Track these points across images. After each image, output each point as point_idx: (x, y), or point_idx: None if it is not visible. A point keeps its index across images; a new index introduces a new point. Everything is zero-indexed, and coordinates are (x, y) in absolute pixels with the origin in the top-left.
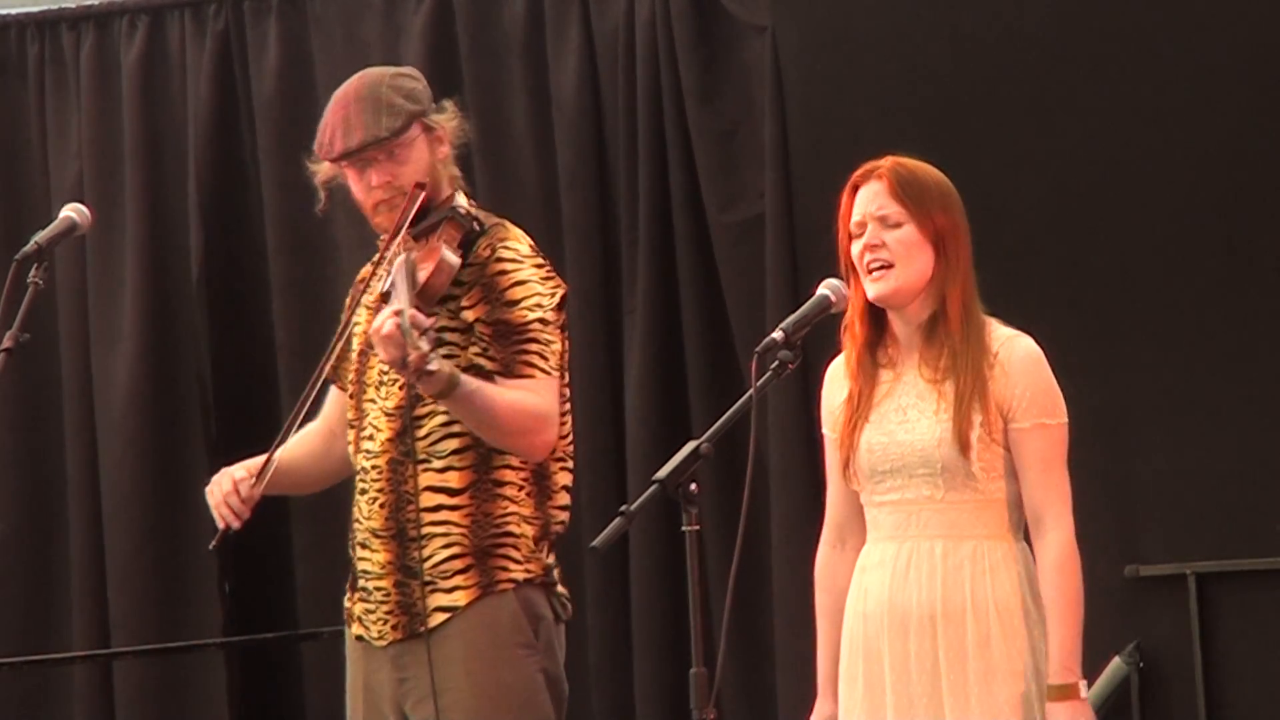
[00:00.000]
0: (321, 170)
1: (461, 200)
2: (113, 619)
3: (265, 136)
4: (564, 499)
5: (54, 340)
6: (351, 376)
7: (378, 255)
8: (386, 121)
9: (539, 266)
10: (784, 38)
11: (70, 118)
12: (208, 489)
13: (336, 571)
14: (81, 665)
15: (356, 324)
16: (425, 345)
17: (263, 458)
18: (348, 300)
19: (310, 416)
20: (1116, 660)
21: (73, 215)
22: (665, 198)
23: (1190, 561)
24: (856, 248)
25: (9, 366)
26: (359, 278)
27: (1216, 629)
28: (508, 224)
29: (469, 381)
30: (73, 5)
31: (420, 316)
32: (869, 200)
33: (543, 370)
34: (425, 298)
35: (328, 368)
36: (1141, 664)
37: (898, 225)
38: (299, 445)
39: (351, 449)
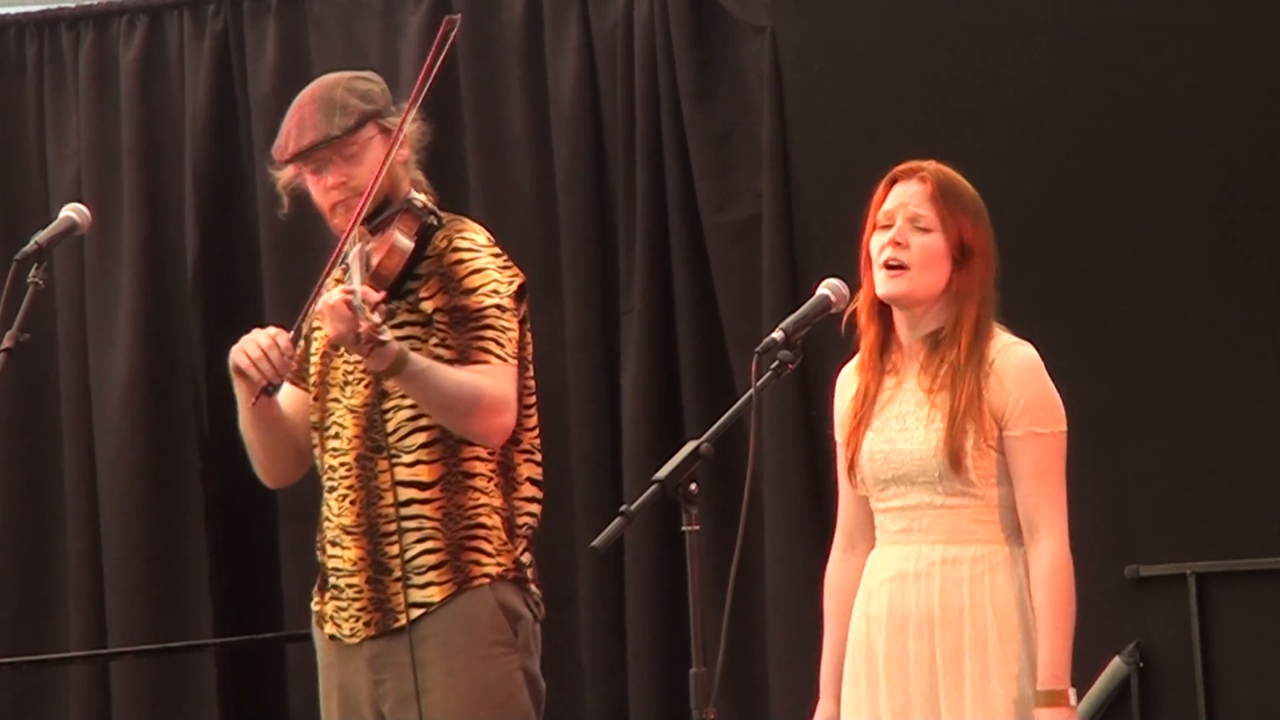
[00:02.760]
0: (283, 175)
1: (419, 195)
2: (108, 618)
3: (262, 137)
4: (529, 491)
5: (50, 339)
6: (315, 378)
7: (334, 257)
8: (339, 121)
9: (496, 256)
10: (783, 38)
11: (68, 117)
12: (235, 353)
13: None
14: (77, 665)
15: (319, 327)
16: (376, 317)
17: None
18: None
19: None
20: (1116, 660)
21: (73, 215)
22: (662, 198)
23: (1190, 561)
24: (877, 241)
25: (8, 366)
26: (330, 284)
27: (1216, 629)
28: (465, 219)
29: (419, 360)
30: (71, 5)
31: (371, 292)
32: (907, 197)
33: (498, 356)
34: (378, 280)
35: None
36: (1141, 664)
37: (927, 231)
38: (286, 403)
39: (317, 450)
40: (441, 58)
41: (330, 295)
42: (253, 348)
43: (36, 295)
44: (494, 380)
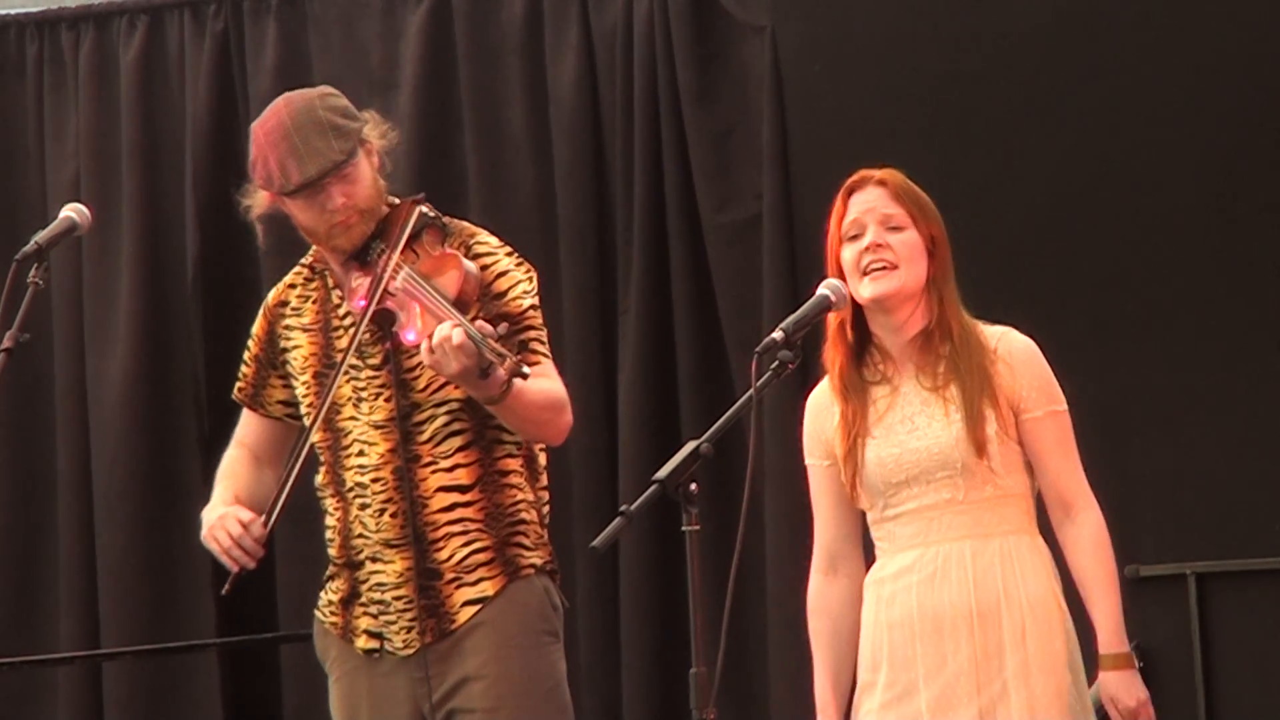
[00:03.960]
0: (257, 204)
1: (425, 205)
2: (102, 619)
3: None
4: (545, 480)
5: (48, 340)
6: (310, 400)
7: (304, 276)
8: (338, 144)
9: (510, 255)
10: (783, 38)
11: (68, 118)
12: (208, 534)
13: (316, 573)
14: (69, 666)
15: (296, 346)
16: (510, 353)
17: (233, 501)
18: (261, 326)
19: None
20: None
21: (73, 215)
22: (661, 198)
23: (1190, 561)
24: (851, 251)
25: (7, 367)
26: (273, 301)
27: (1216, 629)
28: (461, 222)
29: (516, 380)
30: (72, 5)
31: (486, 325)
32: (871, 202)
33: (544, 354)
34: (462, 308)
35: (239, 394)
36: (1141, 664)
37: (900, 229)
38: (246, 477)
39: (324, 469)
40: (406, 233)
41: (445, 331)
42: (223, 536)
43: (36, 295)
44: (555, 380)
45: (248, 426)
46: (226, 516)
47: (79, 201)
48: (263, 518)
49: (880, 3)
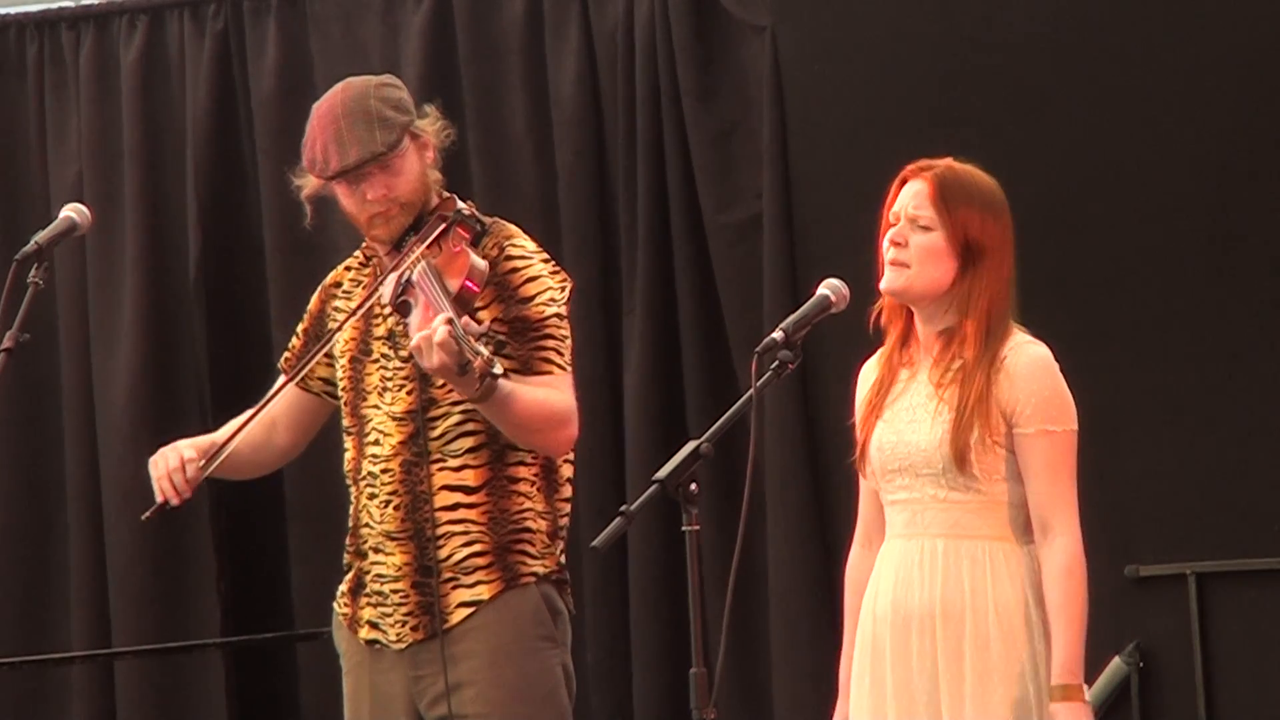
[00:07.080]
0: (308, 184)
1: (463, 203)
2: (112, 618)
3: (264, 136)
4: (568, 492)
5: (53, 340)
6: (344, 384)
7: (359, 261)
8: (381, 136)
9: (546, 261)
10: (783, 38)
11: (69, 118)
12: (153, 459)
13: (331, 571)
14: (80, 665)
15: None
16: (486, 351)
17: (212, 437)
18: (315, 303)
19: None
20: (1116, 660)
21: (73, 215)
22: (664, 198)
23: (1190, 561)
24: (886, 239)
25: (9, 367)
26: (330, 281)
27: (1216, 629)
28: (504, 222)
29: (504, 384)
30: (72, 5)
31: (472, 323)
32: (909, 197)
33: (559, 366)
34: (463, 304)
35: (284, 364)
36: (1141, 664)
37: (926, 229)
38: (251, 433)
39: (350, 455)
40: (432, 228)
41: (434, 328)
42: (161, 463)
43: (36, 295)
44: (561, 393)
45: (281, 395)
46: (172, 448)
47: (81, 202)
48: (202, 461)
49: (880, 3)
